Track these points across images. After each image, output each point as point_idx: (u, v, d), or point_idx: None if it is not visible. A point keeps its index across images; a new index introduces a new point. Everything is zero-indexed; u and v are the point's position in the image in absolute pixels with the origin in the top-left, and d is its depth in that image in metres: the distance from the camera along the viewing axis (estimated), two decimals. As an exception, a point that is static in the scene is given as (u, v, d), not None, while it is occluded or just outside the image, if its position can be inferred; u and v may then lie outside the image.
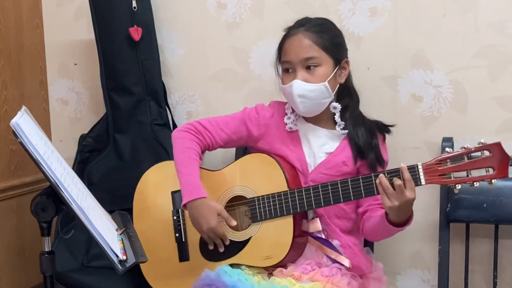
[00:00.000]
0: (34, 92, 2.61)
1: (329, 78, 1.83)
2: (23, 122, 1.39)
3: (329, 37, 1.85)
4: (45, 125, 2.65)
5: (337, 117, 1.88)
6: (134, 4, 2.33)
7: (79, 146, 2.50)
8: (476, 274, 2.16)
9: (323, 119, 1.91)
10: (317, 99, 1.83)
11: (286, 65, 1.86)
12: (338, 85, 1.88)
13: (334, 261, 1.79)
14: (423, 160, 2.16)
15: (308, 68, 1.82)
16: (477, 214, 2.01)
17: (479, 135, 2.11)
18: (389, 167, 2.19)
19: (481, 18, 2.08)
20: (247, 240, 1.82)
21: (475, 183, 1.63)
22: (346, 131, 1.87)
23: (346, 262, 1.78)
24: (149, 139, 2.38)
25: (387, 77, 2.21)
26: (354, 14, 2.22)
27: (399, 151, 2.21)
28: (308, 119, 1.92)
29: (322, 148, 1.89)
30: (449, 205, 2.05)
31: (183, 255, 1.92)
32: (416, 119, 2.19)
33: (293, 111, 1.91)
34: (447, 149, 1.67)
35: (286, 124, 1.91)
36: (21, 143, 1.36)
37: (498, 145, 1.62)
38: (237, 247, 1.82)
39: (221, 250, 1.82)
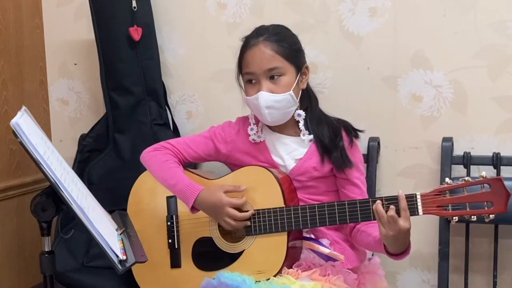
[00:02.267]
0: (34, 92, 2.61)
1: (293, 87, 1.83)
2: (23, 122, 1.39)
3: (288, 45, 1.84)
4: (45, 125, 2.65)
5: (301, 125, 1.88)
6: (134, 4, 2.33)
7: (79, 146, 2.50)
8: (476, 274, 2.16)
9: (288, 127, 1.91)
10: (284, 109, 1.83)
11: (249, 76, 1.85)
12: (300, 91, 1.89)
13: (327, 259, 1.79)
14: (423, 160, 2.18)
15: (272, 78, 1.82)
16: (477, 214, 2.02)
17: (479, 135, 2.12)
18: (389, 170, 2.22)
19: (481, 18, 2.08)
20: (240, 253, 1.81)
21: (472, 217, 1.63)
22: (312, 136, 1.88)
23: (341, 257, 1.78)
24: (149, 139, 2.37)
25: (387, 77, 2.21)
26: (354, 14, 2.22)
27: (399, 151, 2.21)
28: (273, 129, 1.92)
29: (291, 155, 1.89)
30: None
31: (175, 262, 1.90)
32: (416, 119, 2.19)
33: (256, 122, 1.92)
34: (446, 179, 1.65)
35: (250, 135, 1.92)
36: (21, 143, 1.36)
37: (499, 180, 1.61)
38: (229, 258, 1.82)
39: (248, 224, 1.78)
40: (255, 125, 1.92)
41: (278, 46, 1.82)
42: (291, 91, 1.82)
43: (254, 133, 1.92)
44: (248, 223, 1.78)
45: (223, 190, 1.78)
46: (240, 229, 1.81)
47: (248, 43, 1.86)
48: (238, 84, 1.94)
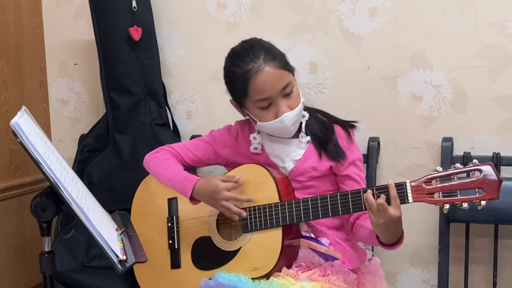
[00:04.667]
0: (34, 92, 2.61)
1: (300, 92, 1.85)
2: (23, 122, 1.39)
3: (280, 56, 1.84)
4: (45, 125, 2.65)
5: (303, 125, 1.88)
6: (134, 4, 2.33)
7: (79, 146, 2.50)
8: (476, 274, 2.16)
9: None
10: (300, 115, 1.86)
11: (263, 103, 1.80)
12: None
13: (326, 259, 1.80)
14: (423, 160, 2.19)
15: (286, 95, 1.81)
16: (477, 214, 1.99)
17: (479, 135, 2.12)
18: (388, 168, 2.22)
19: (481, 18, 2.08)
20: (237, 250, 1.81)
21: (463, 203, 1.60)
22: (309, 137, 1.88)
23: (338, 255, 1.78)
24: (149, 139, 2.38)
25: (387, 77, 2.21)
26: (354, 14, 2.22)
27: (399, 151, 2.21)
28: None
29: (289, 157, 1.90)
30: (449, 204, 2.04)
31: (175, 262, 1.92)
32: (416, 119, 2.19)
33: (259, 132, 1.92)
34: (437, 167, 1.65)
35: (252, 144, 1.92)
36: (21, 143, 1.36)
37: (489, 166, 1.59)
38: (227, 257, 1.82)
39: (244, 214, 1.78)
40: (259, 135, 1.92)
41: (278, 62, 1.80)
42: (301, 97, 1.84)
43: (258, 143, 1.92)
44: (244, 213, 1.79)
45: (219, 177, 1.81)
46: (238, 225, 1.83)
47: (249, 71, 1.79)
48: (241, 113, 1.91)
